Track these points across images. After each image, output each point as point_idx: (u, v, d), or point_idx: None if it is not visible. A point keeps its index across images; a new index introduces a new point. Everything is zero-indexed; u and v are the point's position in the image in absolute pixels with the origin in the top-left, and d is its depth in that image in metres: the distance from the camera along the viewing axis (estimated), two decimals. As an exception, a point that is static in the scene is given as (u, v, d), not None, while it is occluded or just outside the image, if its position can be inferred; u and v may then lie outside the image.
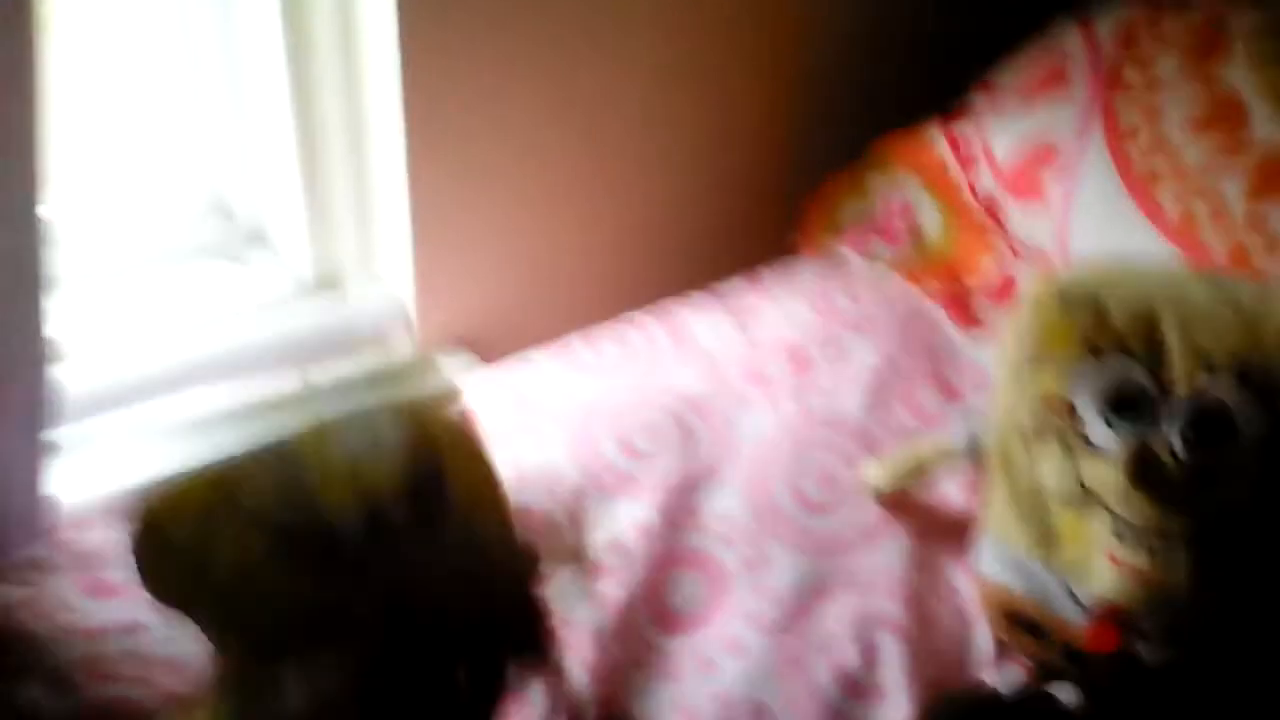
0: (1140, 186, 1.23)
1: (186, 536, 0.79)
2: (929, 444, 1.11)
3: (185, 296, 1.38)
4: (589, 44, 1.37)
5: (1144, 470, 0.88)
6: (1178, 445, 0.89)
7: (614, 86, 1.42)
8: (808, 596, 1.03)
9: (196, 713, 0.80)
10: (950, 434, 1.09)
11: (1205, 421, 0.88)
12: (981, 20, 1.50)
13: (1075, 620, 0.94)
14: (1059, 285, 0.94)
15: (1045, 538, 0.96)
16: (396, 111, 1.26)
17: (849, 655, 0.98)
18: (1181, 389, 0.89)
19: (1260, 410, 0.88)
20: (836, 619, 1.01)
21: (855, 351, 1.29)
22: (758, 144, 1.62)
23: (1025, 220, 1.35)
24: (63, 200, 0.97)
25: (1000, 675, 0.99)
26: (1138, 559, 0.90)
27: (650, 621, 1.01)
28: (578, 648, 0.97)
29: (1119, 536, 0.91)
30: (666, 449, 1.15)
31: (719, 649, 0.99)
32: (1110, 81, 1.30)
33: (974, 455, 1.06)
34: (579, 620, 0.99)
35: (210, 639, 0.81)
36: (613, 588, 1.02)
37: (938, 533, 1.11)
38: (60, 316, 0.94)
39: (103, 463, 1.17)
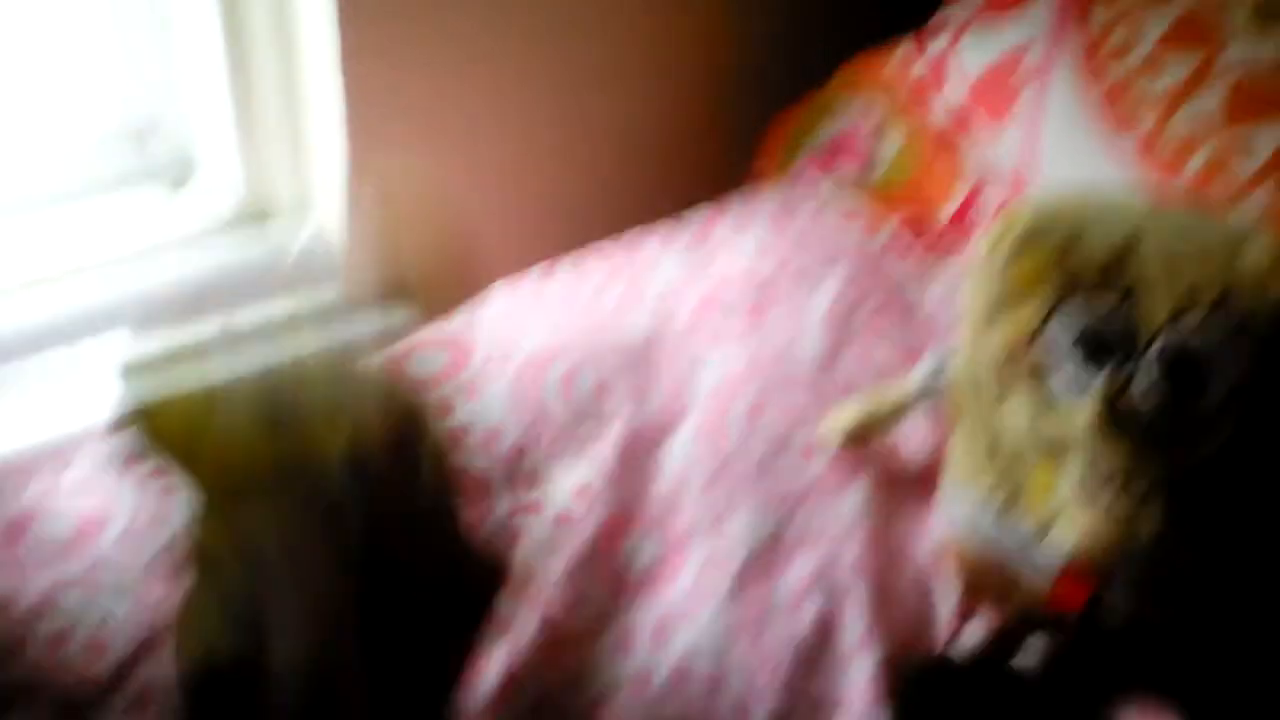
0: (1111, 103, 1.18)
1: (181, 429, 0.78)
2: (890, 391, 1.06)
3: (105, 230, 1.31)
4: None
5: (1116, 415, 0.84)
6: (1151, 389, 0.84)
7: (562, 12, 1.35)
8: (766, 555, 0.98)
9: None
10: (912, 380, 1.04)
11: (1180, 364, 0.84)
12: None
13: (1041, 574, 0.90)
14: (1027, 224, 0.89)
15: (1012, 490, 0.92)
16: (331, 31, 1.18)
17: (808, 617, 0.94)
18: (1156, 331, 0.85)
19: (1236, 352, 0.84)
20: (796, 579, 0.97)
21: (816, 288, 1.24)
22: (716, 70, 1.56)
23: (994, 140, 1.30)
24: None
25: (964, 632, 0.95)
26: (1107, 508, 0.86)
27: (605, 589, 0.96)
28: (531, 612, 0.93)
29: (1089, 485, 0.87)
30: (617, 403, 1.09)
31: (675, 615, 0.94)
32: (1082, -3, 1.25)
33: (935, 401, 1.01)
34: (531, 586, 0.95)
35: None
36: (563, 552, 0.97)
37: (900, 484, 1.06)
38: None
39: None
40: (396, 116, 1.28)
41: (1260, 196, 1.07)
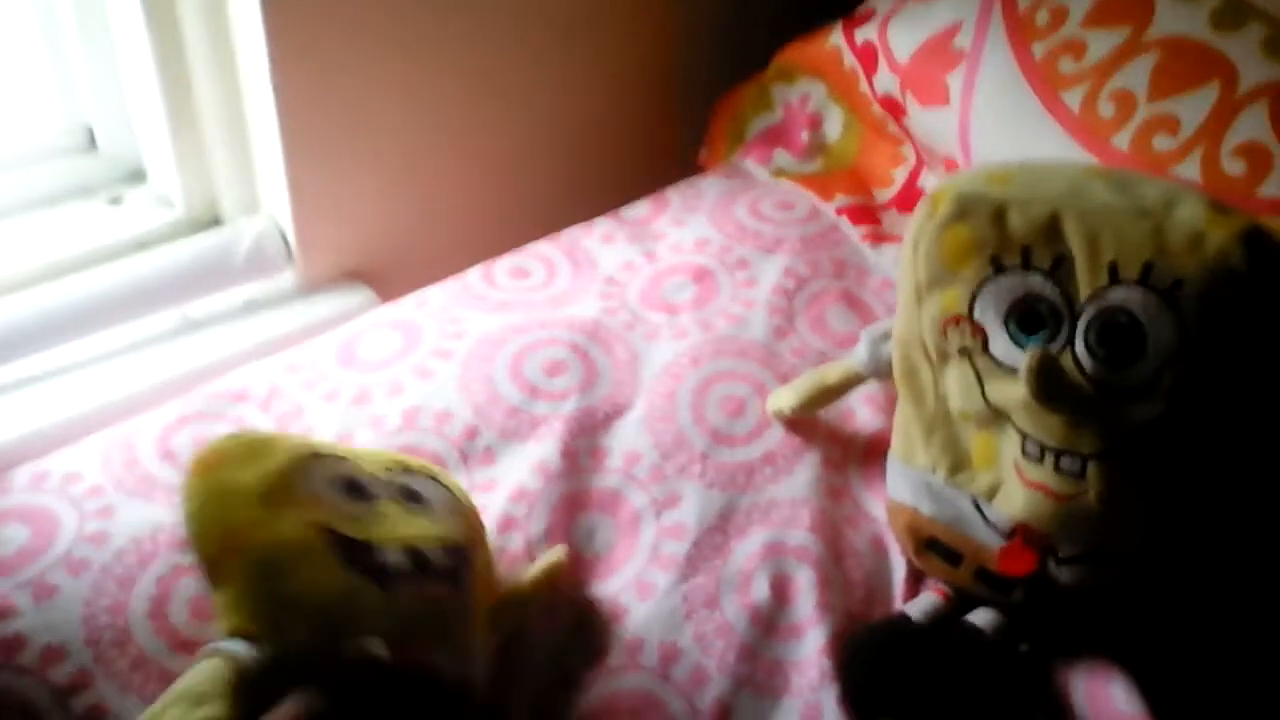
0: (1042, 80, 1.19)
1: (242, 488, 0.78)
2: (836, 367, 1.07)
3: (58, 239, 1.30)
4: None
5: (1050, 386, 0.84)
6: (1085, 359, 0.85)
7: (499, 6, 1.35)
8: (718, 532, 0.99)
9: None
10: (855, 356, 1.05)
11: (1112, 333, 0.84)
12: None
13: (988, 542, 0.91)
14: (955, 197, 0.89)
15: (955, 459, 0.93)
16: (260, 35, 1.18)
17: (761, 591, 0.95)
18: (1087, 299, 0.85)
19: (1170, 318, 0.83)
20: (748, 554, 0.98)
21: (762, 272, 1.25)
22: (658, 59, 1.56)
23: (927, 121, 1.30)
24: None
25: (916, 602, 0.96)
26: (1047, 478, 0.87)
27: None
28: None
29: (1028, 455, 0.88)
30: (567, 385, 1.10)
31: (629, 593, 0.95)
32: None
33: (881, 375, 1.02)
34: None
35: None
36: (516, 535, 0.97)
37: (850, 458, 1.08)
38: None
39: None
40: (333, 117, 1.28)
41: (1190, 166, 1.07)
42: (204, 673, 0.72)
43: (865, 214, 1.32)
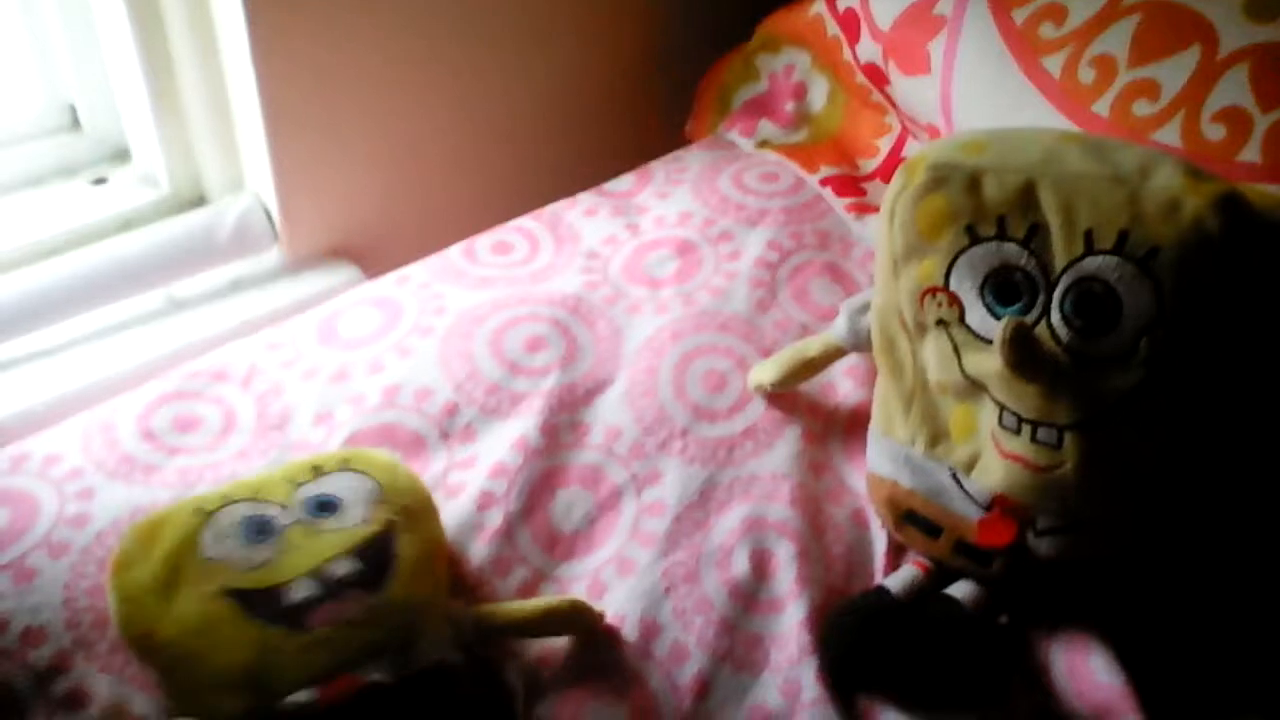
0: (1022, 47, 1.17)
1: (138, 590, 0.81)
2: (816, 340, 1.07)
3: (43, 220, 1.30)
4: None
5: (1025, 356, 0.83)
6: (1061, 328, 0.84)
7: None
8: (699, 508, 0.99)
9: None
10: (835, 329, 1.04)
11: (1088, 302, 0.83)
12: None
13: (967, 514, 0.91)
14: (929, 166, 0.88)
15: (934, 431, 0.93)
16: (239, 9, 1.17)
17: (741, 566, 0.95)
18: (1063, 268, 0.84)
19: (1146, 286, 0.82)
20: (728, 529, 0.98)
21: (745, 245, 1.24)
22: (639, 28, 1.54)
23: (909, 90, 1.29)
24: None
25: (896, 575, 0.95)
26: (1025, 449, 0.87)
27: (540, 545, 0.97)
28: (463, 578, 0.93)
29: (1006, 427, 0.87)
30: (548, 361, 1.10)
31: (609, 570, 0.95)
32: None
33: (860, 348, 1.02)
34: (463, 549, 0.95)
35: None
36: (495, 511, 0.97)
37: (831, 432, 1.07)
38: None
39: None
40: (316, 95, 1.27)
41: (1170, 132, 1.06)
42: None
43: (849, 185, 1.31)
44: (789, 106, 1.40)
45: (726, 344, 1.13)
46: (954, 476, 0.91)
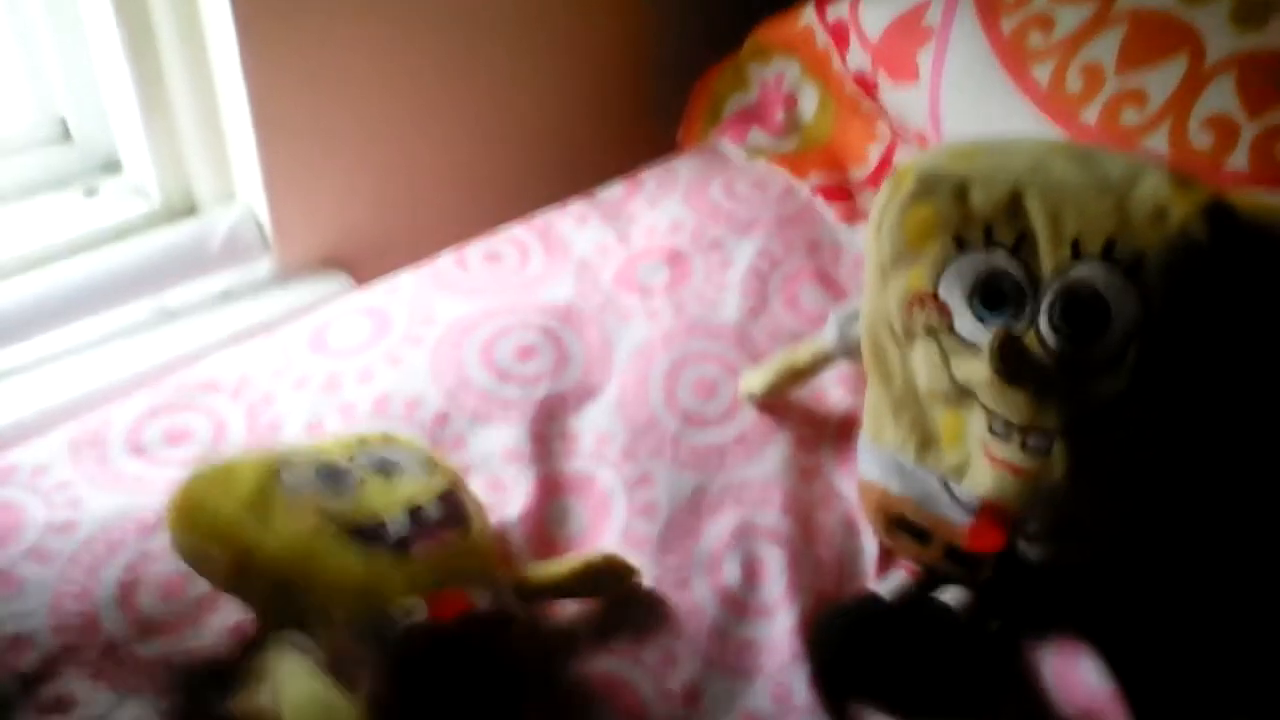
0: (1011, 56, 1.17)
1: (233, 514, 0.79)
2: (805, 348, 1.07)
3: (34, 231, 1.30)
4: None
5: (1014, 363, 0.84)
6: (1049, 335, 0.84)
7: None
8: (689, 514, 0.99)
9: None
10: (825, 336, 1.05)
11: (1076, 309, 0.83)
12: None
13: (957, 520, 0.91)
14: (917, 175, 0.88)
15: (923, 437, 0.93)
16: (229, 19, 1.17)
17: (732, 572, 0.95)
18: (1050, 276, 0.84)
19: (1133, 293, 0.82)
20: (719, 536, 0.98)
21: (735, 252, 1.25)
22: (630, 37, 1.55)
23: (898, 99, 1.29)
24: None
25: (886, 581, 0.96)
26: (1014, 455, 0.87)
27: (533, 552, 0.96)
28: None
29: (995, 434, 0.88)
30: (539, 369, 1.10)
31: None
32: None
33: (850, 355, 1.02)
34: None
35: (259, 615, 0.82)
36: (494, 516, 0.97)
37: (821, 438, 1.08)
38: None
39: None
40: (306, 104, 1.27)
41: (1158, 139, 1.07)
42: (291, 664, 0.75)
43: (840, 192, 1.32)
44: (780, 115, 1.41)
45: (717, 351, 1.13)
46: (944, 483, 0.92)
